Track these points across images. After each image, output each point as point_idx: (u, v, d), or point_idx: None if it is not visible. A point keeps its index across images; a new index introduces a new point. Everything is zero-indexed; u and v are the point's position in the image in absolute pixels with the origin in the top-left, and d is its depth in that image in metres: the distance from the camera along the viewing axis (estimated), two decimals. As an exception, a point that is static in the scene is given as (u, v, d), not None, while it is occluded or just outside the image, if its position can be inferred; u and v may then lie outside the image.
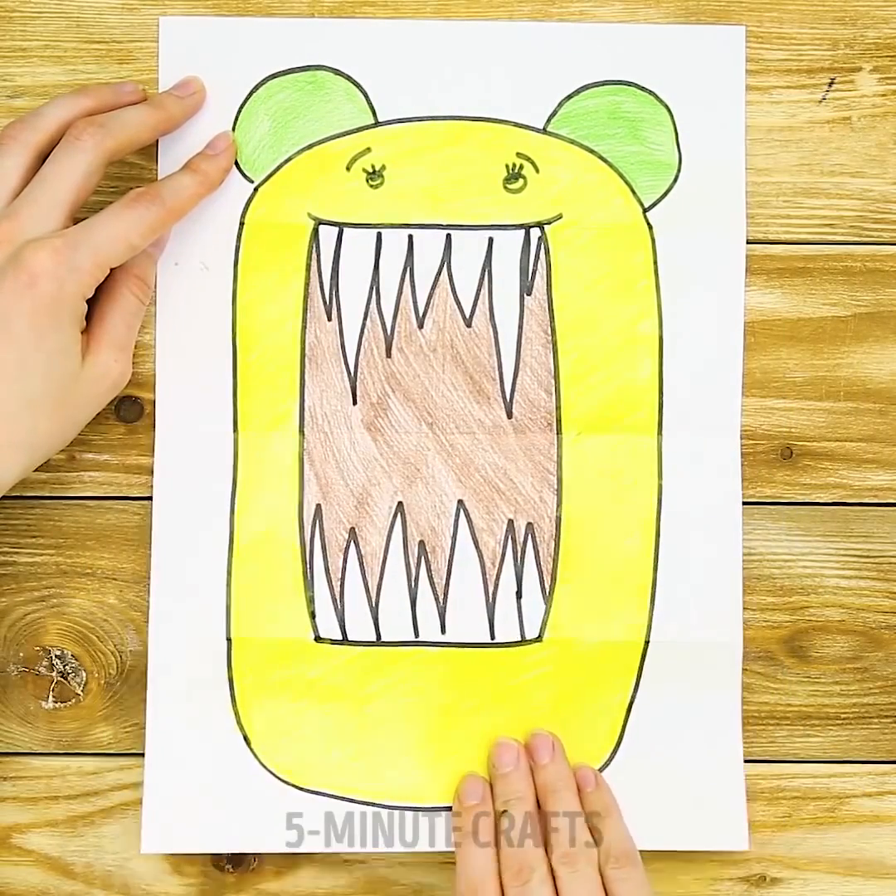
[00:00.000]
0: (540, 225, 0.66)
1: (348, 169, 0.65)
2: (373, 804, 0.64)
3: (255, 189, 0.65)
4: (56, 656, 0.65)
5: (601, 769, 0.65)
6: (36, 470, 0.64)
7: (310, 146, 0.65)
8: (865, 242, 0.66)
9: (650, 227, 0.65)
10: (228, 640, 0.64)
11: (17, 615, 0.65)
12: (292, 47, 0.65)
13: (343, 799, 0.64)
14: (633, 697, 0.65)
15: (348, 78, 0.65)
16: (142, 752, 0.65)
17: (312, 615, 0.64)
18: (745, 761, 0.65)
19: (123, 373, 0.63)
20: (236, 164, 0.65)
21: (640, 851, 0.62)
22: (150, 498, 0.65)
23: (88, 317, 0.61)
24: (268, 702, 0.64)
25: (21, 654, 0.65)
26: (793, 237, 0.66)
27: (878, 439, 0.66)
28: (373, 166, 0.65)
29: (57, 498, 0.66)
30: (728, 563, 0.65)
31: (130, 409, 0.65)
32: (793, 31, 0.65)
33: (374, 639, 0.65)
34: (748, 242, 0.65)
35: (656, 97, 0.65)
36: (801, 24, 0.65)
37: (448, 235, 0.65)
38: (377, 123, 0.65)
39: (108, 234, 0.60)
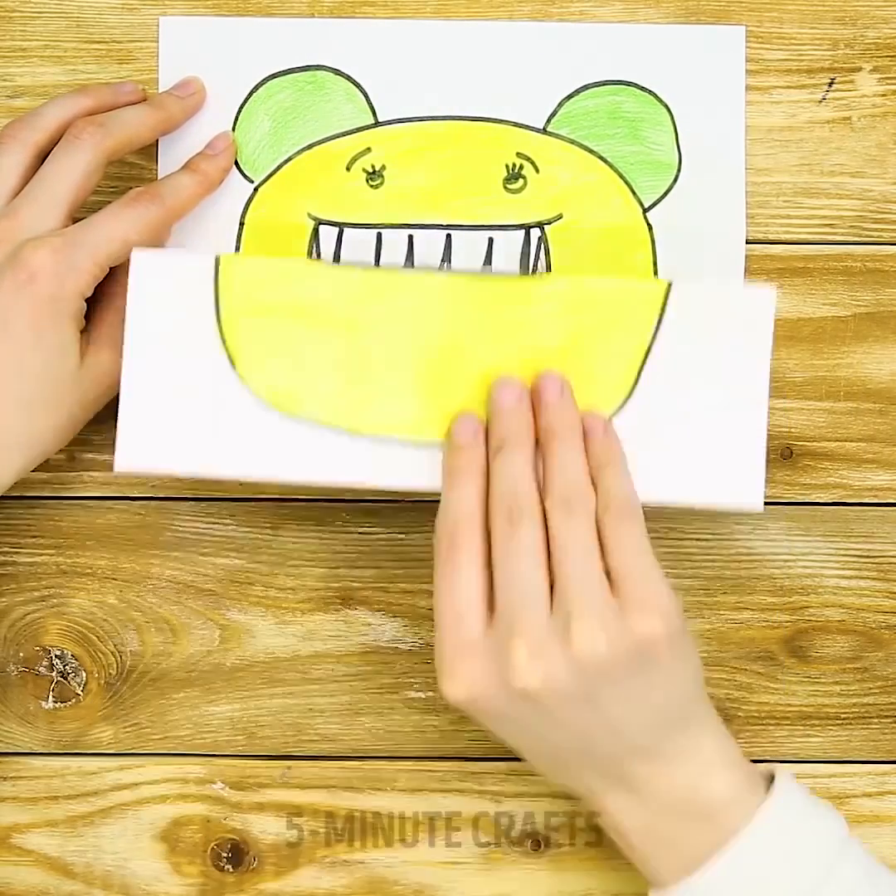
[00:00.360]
0: (540, 225, 0.66)
1: (348, 169, 0.65)
2: (362, 435, 0.60)
3: (255, 189, 0.65)
4: (56, 656, 0.65)
5: (610, 418, 0.60)
6: (36, 470, 0.64)
7: (310, 146, 0.65)
8: (865, 242, 0.66)
9: (650, 227, 0.65)
10: (216, 257, 0.61)
11: (17, 615, 0.65)
12: (292, 47, 0.65)
13: (330, 428, 0.60)
14: (651, 343, 0.60)
15: (348, 78, 0.65)
16: (142, 752, 0.65)
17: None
18: (745, 761, 0.65)
19: (120, 371, 0.63)
20: (236, 163, 0.65)
21: (646, 507, 0.58)
22: (150, 498, 0.65)
23: (89, 316, 0.61)
24: (256, 322, 0.60)
25: (21, 654, 0.65)
26: (793, 237, 0.66)
27: (878, 439, 0.66)
28: (373, 166, 0.65)
29: (57, 498, 0.66)
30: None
31: (130, 409, 0.65)
32: (793, 31, 0.65)
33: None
34: (748, 242, 0.65)
35: (656, 97, 0.65)
36: (801, 24, 0.65)
37: (448, 235, 0.65)
38: (377, 123, 0.65)
39: (108, 233, 0.60)
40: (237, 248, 0.65)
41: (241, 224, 0.65)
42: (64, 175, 0.60)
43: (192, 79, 0.64)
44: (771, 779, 0.58)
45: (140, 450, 0.60)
